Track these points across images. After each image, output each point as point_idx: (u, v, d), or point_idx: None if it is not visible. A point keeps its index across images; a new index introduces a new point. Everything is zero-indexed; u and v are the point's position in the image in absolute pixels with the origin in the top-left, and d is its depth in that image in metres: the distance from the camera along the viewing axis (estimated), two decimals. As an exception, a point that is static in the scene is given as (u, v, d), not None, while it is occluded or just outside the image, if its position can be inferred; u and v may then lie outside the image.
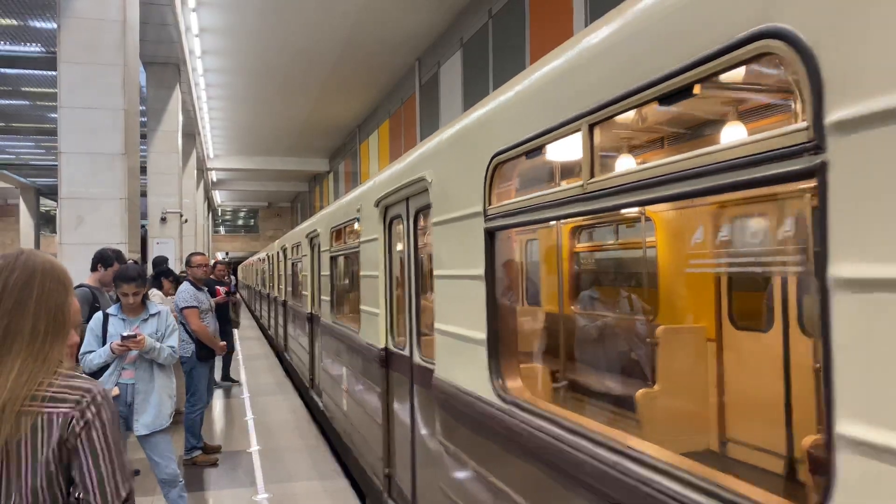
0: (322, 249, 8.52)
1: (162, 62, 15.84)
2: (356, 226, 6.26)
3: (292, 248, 12.42)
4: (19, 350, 1.73)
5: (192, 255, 7.87)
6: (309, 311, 9.92)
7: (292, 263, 12.56)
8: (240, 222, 59.32)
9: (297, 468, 6.94)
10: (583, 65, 2.25)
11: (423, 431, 4.15)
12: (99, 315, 4.85)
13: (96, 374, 4.70)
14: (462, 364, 3.30)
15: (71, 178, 8.18)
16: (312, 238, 9.53)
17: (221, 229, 57.58)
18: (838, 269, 1.36)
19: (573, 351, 3.88)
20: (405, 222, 4.61)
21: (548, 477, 2.47)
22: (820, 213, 1.38)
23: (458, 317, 3.37)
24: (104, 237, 7.79)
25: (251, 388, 11.45)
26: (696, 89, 1.71)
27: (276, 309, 16.35)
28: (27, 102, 20.88)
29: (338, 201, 8.07)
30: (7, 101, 20.76)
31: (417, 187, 4.15)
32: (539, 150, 2.56)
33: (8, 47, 14.92)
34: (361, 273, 5.94)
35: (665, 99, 1.82)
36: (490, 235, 2.98)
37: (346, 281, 7.63)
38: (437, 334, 3.68)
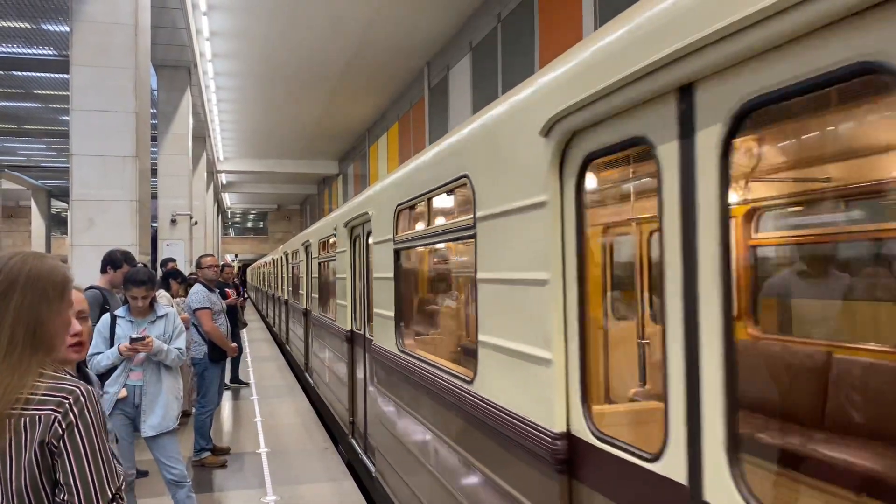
0: (313, 257, 10.36)
1: (173, 65, 15.94)
2: (333, 240, 8.20)
3: (292, 254, 14.34)
4: None
5: (202, 256, 7.91)
6: (304, 307, 11.65)
7: (292, 267, 14.49)
8: (249, 225, 59.52)
9: (305, 470, 6.96)
10: (421, 167, 4.35)
11: (369, 384, 6.12)
12: (106, 317, 4.86)
13: (104, 375, 4.72)
14: (385, 332, 5.23)
15: (82, 180, 8.24)
16: (307, 247, 11.24)
17: (231, 231, 57.79)
18: (479, 274, 3.17)
19: (432, 320, 6.01)
20: (362, 240, 6.50)
21: (415, 389, 4.37)
22: (475, 251, 3.20)
23: (383, 304, 5.24)
24: (115, 239, 7.84)
25: (259, 390, 11.49)
26: (454, 192, 3.75)
27: (279, 307, 18.56)
28: (39, 105, 21.04)
29: (324, 218, 10.31)
30: (19, 104, 20.93)
31: (366, 217, 5.98)
32: (414, 206, 4.57)
33: (20, 50, 15.05)
34: (336, 276, 7.88)
35: (443, 194, 3.89)
36: (396, 253, 4.94)
37: (329, 282, 9.16)
38: (375, 316, 5.58)
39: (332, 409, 8.55)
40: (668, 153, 1.89)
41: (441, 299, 5.99)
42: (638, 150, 2.16)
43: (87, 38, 8.28)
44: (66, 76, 9.26)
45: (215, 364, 7.39)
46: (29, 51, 15.05)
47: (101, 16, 8.31)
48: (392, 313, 4.97)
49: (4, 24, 13.43)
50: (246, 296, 36.57)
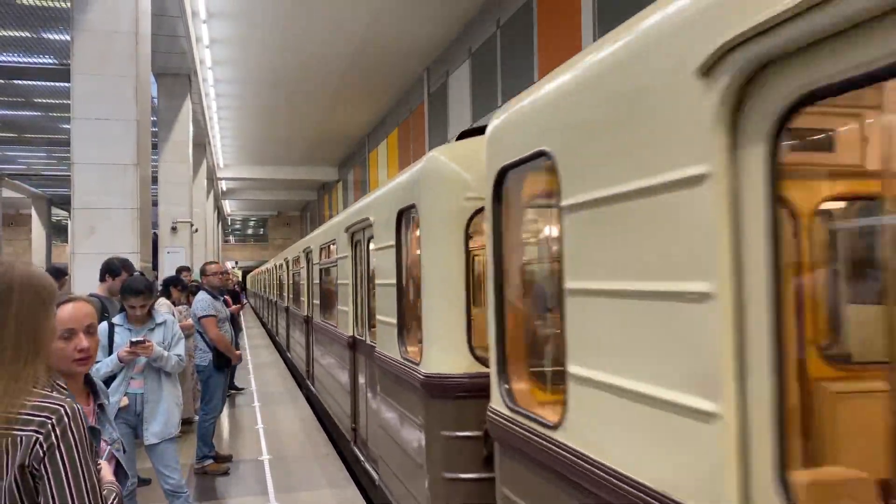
0: (291, 270, 14.75)
1: (173, 73, 15.96)
2: (300, 259, 12.28)
3: (277, 267, 19.33)
4: (1, 370, 1.67)
5: (206, 264, 7.91)
6: (286, 305, 15.65)
7: (278, 276, 18.86)
8: (249, 231, 59.54)
9: (307, 477, 6.95)
10: (324, 230, 9.39)
11: (314, 344, 10.27)
12: (104, 325, 4.83)
13: (104, 384, 4.70)
14: (317, 312, 9.65)
15: (83, 188, 8.25)
16: (287, 262, 15.70)
17: (231, 238, 57.80)
18: (338, 281, 7.86)
19: (334, 303, 8.37)
20: (312, 262, 10.28)
21: (325, 336, 8.91)
22: (337, 273, 8.03)
23: (316, 297, 9.70)
24: (116, 247, 7.84)
25: (261, 397, 11.48)
26: (335, 243, 7.99)
27: (271, 307, 22.82)
28: (40, 113, 21.07)
29: (295, 244, 15.78)
30: (20, 112, 20.97)
31: (310, 249, 10.52)
32: (324, 248, 9.14)
33: (21, 59, 15.10)
34: (301, 283, 12.25)
35: (329, 245, 8.61)
36: (319, 271, 9.59)
37: (300, 287, 12.73)
38: (314, 305, 9.94)
39: (299, 369, 12.95)
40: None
41: (335, 292, 8.70)
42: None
43: (88, 46, 8.30)
44: (66, 84, 9.28)
45: (220, 371, 7.37)
46: (30, 59, 15.09)
47: (102, 24, 8.33)
48: (319, 302, 9.48)
49: (5, 33, 13.47)
50: (245, 300, 36.60)
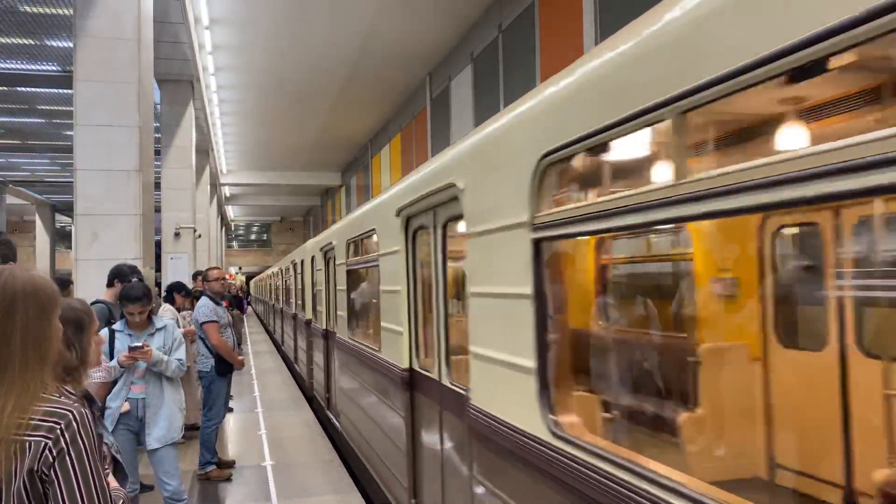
0: (276, 281, 19.90)
1: (175, 79, 15.99)
2: (289, 270, 15.76)
3: (268, 277, 26.43)
4: (12, 381, 1.68)
5: (208, 269, 7.92)
6: (273, 304, 21.47)
7: (271, 284, 24.56)
8: (252, 237, 59.60)
9: (310, 483, 6.93)
10: (293, 254, 16.37)
11: (284, 322, 17.83)
12: (105, 331, 4.84)
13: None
14: (284, 303, 18.07)
15: (86, 195, 8.25)
16: (278, 273, 20.38)
17: (234, 244, 57.85)
18: (288, 287, 16.83)
19: (291, 296, 14.25)
20: (284, 275, 17.36)
21: (284, 316, 18.44)
22: (286, 284, 18.07)
23: (286, 296, 17.72)
24: (119, 253, 7.84)
25: (264, 403, 11.47)
26: (290, 270, 15.97)
27: (270, 309, 26.69)
28: (43, 120, 21.13)
29: (279, 262, 22.73)
30: (24, 119, 21.02)
31: (283, 270, 18.16)
32: (288, 269, 16.47)
33: (24, 66, 15.14)
34: (280, 287, 18.50)
35: (285, 267, 17.88)
36: (284, 282, 18.12)
37: (282, 292, 17.62)
38: (283, 301, 18.56)
39: (277, 338, 19.59)
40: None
41: (289, 293, 12.45)
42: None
43: (91, 53, 8.31)
44: (69, 91, 9.28)
45: (222, 377, 7.37)
46: (33, 67, 15.13)
47: (105, 31, 8.33)
48: (284, 299, 17.10)
49: (8, 40, 13.52)
50: (248, 305, 36.61)
